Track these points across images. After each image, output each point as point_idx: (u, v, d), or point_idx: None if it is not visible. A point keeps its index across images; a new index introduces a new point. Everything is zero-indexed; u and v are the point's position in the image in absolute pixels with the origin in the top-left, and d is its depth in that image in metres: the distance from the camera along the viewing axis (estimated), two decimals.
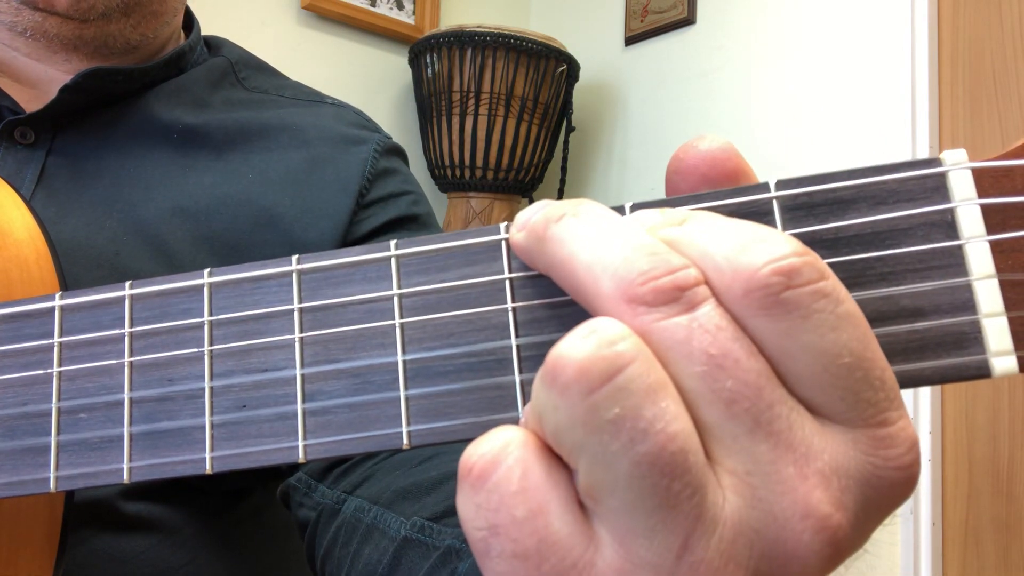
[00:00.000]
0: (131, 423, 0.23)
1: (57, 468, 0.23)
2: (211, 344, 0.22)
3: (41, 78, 0.50)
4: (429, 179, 1.80)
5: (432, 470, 0.42)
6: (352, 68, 1.79)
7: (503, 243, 0.21)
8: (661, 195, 0.20)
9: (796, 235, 0.19)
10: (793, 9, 1.55)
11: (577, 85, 1.78)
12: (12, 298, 0.31)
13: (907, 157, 1.40)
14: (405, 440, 0.21)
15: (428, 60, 1.67)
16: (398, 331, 0.21)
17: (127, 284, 0.24)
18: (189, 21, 0.60)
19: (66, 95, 0.47)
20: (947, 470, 1.34)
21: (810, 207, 0.19)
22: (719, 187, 0.20)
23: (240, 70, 0.59)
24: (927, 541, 1.31)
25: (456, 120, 1.66)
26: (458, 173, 1.69)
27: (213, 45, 0.60)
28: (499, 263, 0.21)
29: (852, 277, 0.18)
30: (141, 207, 0.48)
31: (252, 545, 0.50)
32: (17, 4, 0.45)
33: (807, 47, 1.52)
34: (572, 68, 1.72)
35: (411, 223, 0.56)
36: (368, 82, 1.81)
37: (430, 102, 1.69)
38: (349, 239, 0.53)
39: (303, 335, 0.22)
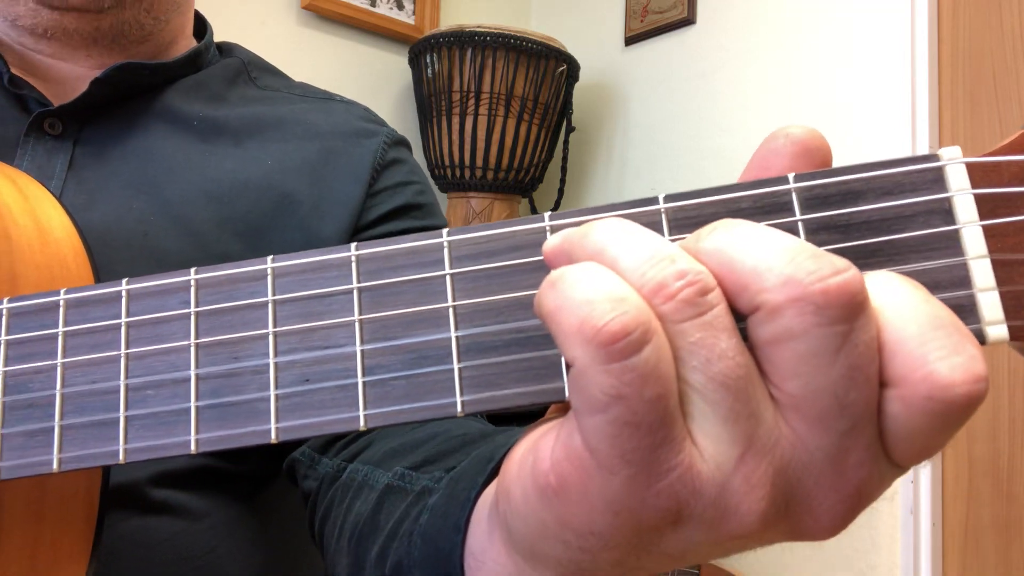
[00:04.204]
0: (197, 398, 0.24)
1: (126, 441, 0.24)
2: (275, 324, 0.24)
3: (67, 76, 0.53)
4: (429, 179, 1.79)
5: (420, 432, 0.44)
6: (352, 68, 1.79)
7: (547, 230, 0.23)
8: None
9: (813, 219, 0.21)
10: (793, 9, 1.55)
11: (577, 85, 1.78)
12: None
13: (908, 155, 1.41)
14: (459, 408, 0.22)
15: (428, 60, 1.67)
16: (451, 312, 0.23)
17: (192, 270, 0.25)
18: (202, 26, 0.63)
19: (97, 87, 0.49)
20: (947, 470, 1.34)
21: (824, 197, 0.21)
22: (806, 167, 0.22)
23: (252, 70, 0.62)
24: (927, 541, 1.31)
25: (456, 120, 1.66)
26: (458, 173, 1.69)
27: (224, 49, 0.63)
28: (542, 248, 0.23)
29: (862, 258, 0.21)
30: (166, 188, 0.50)
31: (268, 535, 0.52)
32: (34, 5, 0.47)
33: (807, 47, 1.52)
34: (572, 68, 1.72)
35: (416, 211, 0.59)
36: (368, 82, 1.81)
37: (430, 102, 1.69)
38: (360, 224, 0.56)
39: (362, 317, 0.23)
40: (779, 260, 0.18)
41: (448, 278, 0.23)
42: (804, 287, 0.17)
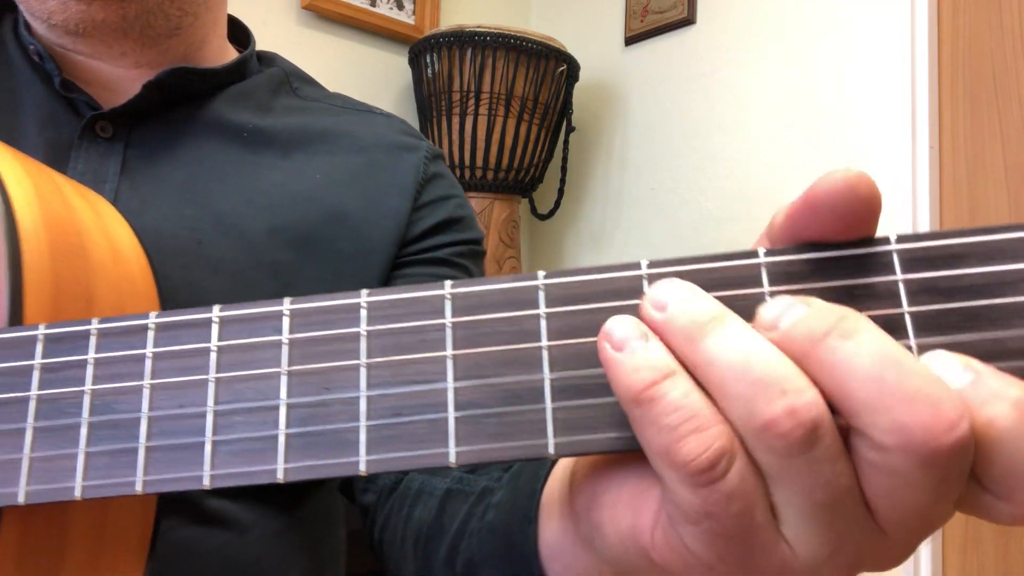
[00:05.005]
0: (287, 426, 0.24)
1: (213, 467, 0.24)
2: (368, 356, 0.24)
3: (109, 79, 0.54)
4: None
5: None
6: (352, 68, 1.79)
7: (645, 278, 0.23)
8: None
9: (914, 280, 0.21)
10: (793, 9, 1.55)
11: (577, 85, 1.78)
12: (125, 311, 0.34)
13: (906, 157, 1.38)
14: (551, 450, 0.22)
15: (428, 60, 1.67)
16: (544, 353, 0.23)
17: (286, 300, 0.25)
18: (244, 35, 0.64)
19: (148, 91, 0.51)
20: None
21: (927, 260, 0.22)
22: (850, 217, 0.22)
23: (293, 81, 0.63)
24: (927, 541, 1.31)
25: (456, 120, 1.66)
26: (458, 173, 1.69)
27: (265, 58, 0.64)
28: (638, 296, 0.23)
29: (965, 321, 0.21)
30: (217, 197, 0.51)
31: (305, 547, 0.53)
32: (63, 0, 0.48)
33: (807, 47, 1.52)
34: (572, 68, 1.71)
35: (457, 224, 0.61)
36: (368, 82, 1.81)
37: (430, 102, 1.69)
38: (407, 237, 0.58)
39: (455, 352, 0.23)
40: (896, 402, 0.18)
41: (543, 320, 0.23)
42: (917, 444, 0.18)
